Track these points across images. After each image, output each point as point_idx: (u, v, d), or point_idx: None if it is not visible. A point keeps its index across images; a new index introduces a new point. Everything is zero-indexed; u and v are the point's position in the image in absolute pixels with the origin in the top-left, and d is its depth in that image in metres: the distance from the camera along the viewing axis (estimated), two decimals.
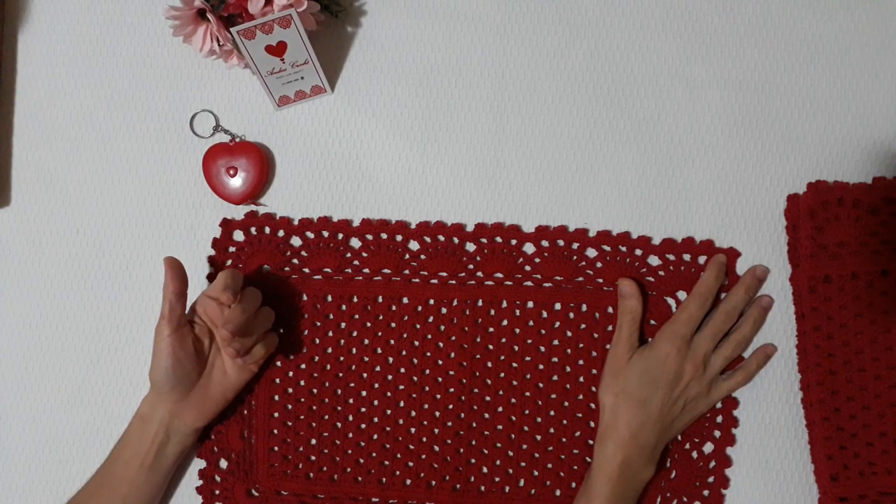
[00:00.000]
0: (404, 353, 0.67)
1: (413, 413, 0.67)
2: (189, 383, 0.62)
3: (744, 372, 0.65)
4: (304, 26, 0.63)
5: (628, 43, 0.69)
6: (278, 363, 0.67)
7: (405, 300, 0.67)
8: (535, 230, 0.67)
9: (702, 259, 0.66)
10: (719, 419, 0.66)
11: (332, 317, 0.67)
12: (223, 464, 0.67)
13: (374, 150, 0.69)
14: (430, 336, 0.67)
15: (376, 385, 0.67)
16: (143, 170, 0.70)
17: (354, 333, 0.67)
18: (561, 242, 0.67)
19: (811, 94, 0.68)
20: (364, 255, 0.67)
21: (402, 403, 0.67)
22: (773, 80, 0.68)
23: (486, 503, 0.66)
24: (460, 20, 0.70)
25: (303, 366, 0.67)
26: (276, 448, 0.67)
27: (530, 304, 0.67)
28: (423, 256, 0.67)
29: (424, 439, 0.66)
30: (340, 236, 0.68)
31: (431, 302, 0.67)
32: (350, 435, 0.67)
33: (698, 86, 0.69)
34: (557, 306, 0.67)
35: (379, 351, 0.67)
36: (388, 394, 0.67)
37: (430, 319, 0.67)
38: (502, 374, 0.66)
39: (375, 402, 0.67)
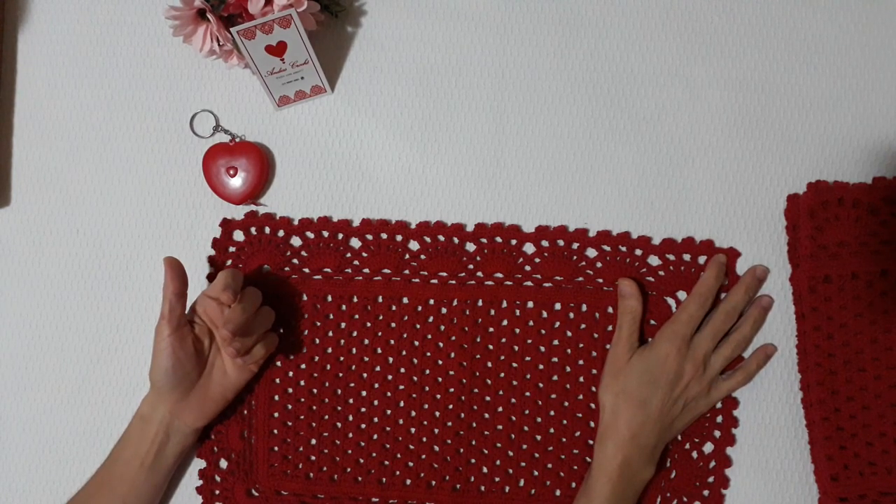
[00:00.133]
0: (404, 353, 0.67)
1: (413, 413, 0.67)
2: (189, 383, 0.62)
3: (744, 372, 0.65)
4: (304, 26, 0.63)
5: (628, 43, 0.69)
6: (278, 363, 0.67)
7: (405, 300, 0.67)
8: (535, 230, 0.67)
9: (702, 259, 0.66)
10: (719, 419, 0.66)
11: (332, 317, 0.67)
12: (223, 464, 0.67)
13: (374, 150, 0.69)
14: (430, 336, 0.67)
15: (376, 385, 0.67)
16: (143, 170, 0.70)
17: (354, 333, 0.67)
18: (561, 242, 0.67)
19: (811, 94, 0.68)
20: (364, 255, 0.67)
21: (402, 403, 0.67)
22: (773, 80, 0.68)
23: (486, 503, 0.66)
24: (460, 20, 0.70)
25: (303, 366, 0.67)
26: (276, 448, 0.67)
27: (530, 304, 0.67)
28: (423, 256, 0.67)
29: (424, 439, 0.66)
30: (340, 236, 0.68)
31: (431, 302, 0.67)
32: (350, 435, 0.67)
33: (698, 86, 0.69)
34: (557, 306, 0.67)
35: (379, 351, 0.67)
36: (388, 394, 0.67)
37: (430, 319, 0.67)
38: (502, 374, 0.66)
39: (375, 402, 0.67)
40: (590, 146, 0.68)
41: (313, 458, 0.67)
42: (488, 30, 0.70)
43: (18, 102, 0.71)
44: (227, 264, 0.68)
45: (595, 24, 0.70)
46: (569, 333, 0.66)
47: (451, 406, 0.66)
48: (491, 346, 0.67)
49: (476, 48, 0.70)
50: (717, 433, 0.65)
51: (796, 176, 0.67)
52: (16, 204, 0.70)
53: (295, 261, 0.68)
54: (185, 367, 0.61)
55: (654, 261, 0.67)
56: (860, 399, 0.64)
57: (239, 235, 0.68)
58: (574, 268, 0.66)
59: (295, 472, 0.67)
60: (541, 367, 0.66)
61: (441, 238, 0.67)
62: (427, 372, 0.67)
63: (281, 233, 0.68)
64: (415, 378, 0.67)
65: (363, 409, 0.67)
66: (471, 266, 0.67)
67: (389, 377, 0.67)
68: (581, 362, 0.66)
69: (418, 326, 0.67)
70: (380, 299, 0.67)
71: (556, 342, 0.66)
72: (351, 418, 0.67)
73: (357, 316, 0.67)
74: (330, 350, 0.67)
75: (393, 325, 0.67)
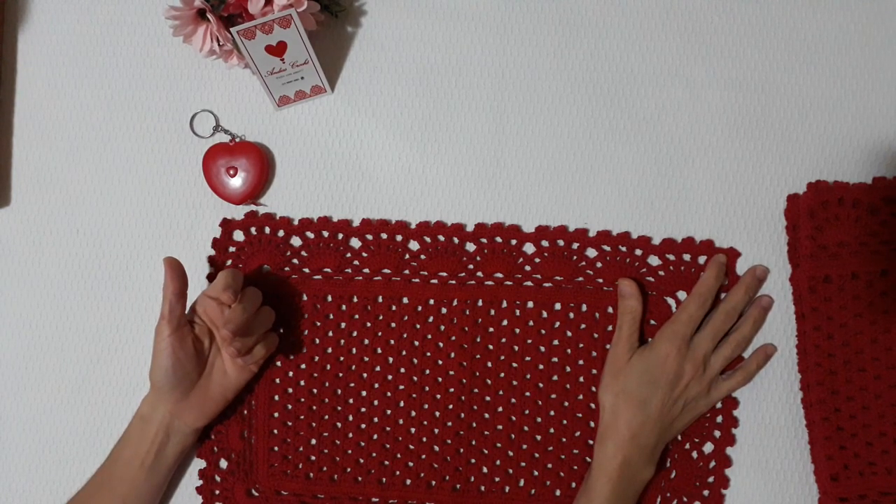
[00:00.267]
0: (404, 353, 0.67)
1: (413, 413, 0.67)
2: (189, 383, 0.62)
3: (744, 372, 0.65)
4: (304, 26, 0.63)
5: (628, 43, 0.69)
6: (278, 363, 0.67)
7: (405, 300, 0.67)
8: (535, 230, 0.67)
9: (702, 259, 0.66)
10: (719, 419, 0.66)
11: (332, 317, 0.67)
12: (223, 464, 0.67)
13: (374, 150, 0.69)
14: (430, 336, 0.67)
15: (376, 385, 0.67)
16: (143, 170, 0.70)
17: (354, 333, 0.67)
18: (561, 242, 0.67)
19: (811, 94, 0.68)
20: (364, 255, 0.67)
21: (402, 403, 0.67)
22: (773, 80, 0.68)
23: (486, 503, 0.66)
24: (460, 20, 0.70)
25: (303, 366, 0.67)
26: (276, 448, 0.67)
27: (530, 304, 0.67)
28: (423, 256, 0.67)
29: (424, 439, 0.66)
30: (340, 236, 0.68)
31: (431, 302, 0.67)
32: (350, 435, 0.67)
33: (698, 86, 0.69)
34: (557, 306, 0.67)
35: (379, 351, 0.67)
36: (388, 394, 0.67)
37: (430, 319, 0.67)
38: (502, 374, 0.66)
39: (375, 402, 0.67)
40: (590, 146, 0.68)
41: (313, 458, 0.67)
42: (488, 30, 0.70)
43: (18, 102, 0.71)
44: (227, 264, 0.68)
45: (595, 24, 0.70)
46: (569, 333, 0.66)
47: (451, 406, 0.66)
48: (491, 346, 0.67)
49: (476, 48, 0.70)
50: (717, 433, 0.65)
51: (796, 176, 0.67)
52: (16, 204, 0.70)
53: (295, 261, 0.68)
54: (185, 367, 0.61)
55: (654, 261, 0.67)
56: (860, 399, 0.64)
57: (239, 235, 0.68)
58: (574, 268, 0.66)
59: (295, 472, 0.67)
60: (541, 367, 0.66)
61: (441, 238, 0.67)
62: (427, 372, 0.67)
63: (281, 233, 0.68)
64: (415, 378, 0.67)
65: (363, 409, 0.67)
66: (471, 266, 0.67)
67: (389, 377, 0.67)
68: (581, 362, 0.66)
69: (418, 326, 0.67)
70: (380, 299, 0.67)
71: (556, 342, 0.66)
72: (351, 418, 0.67)
73: (357, 316, 0.67)
74: (330, 350, 0.67)
75: (393, 325, 0.67)
